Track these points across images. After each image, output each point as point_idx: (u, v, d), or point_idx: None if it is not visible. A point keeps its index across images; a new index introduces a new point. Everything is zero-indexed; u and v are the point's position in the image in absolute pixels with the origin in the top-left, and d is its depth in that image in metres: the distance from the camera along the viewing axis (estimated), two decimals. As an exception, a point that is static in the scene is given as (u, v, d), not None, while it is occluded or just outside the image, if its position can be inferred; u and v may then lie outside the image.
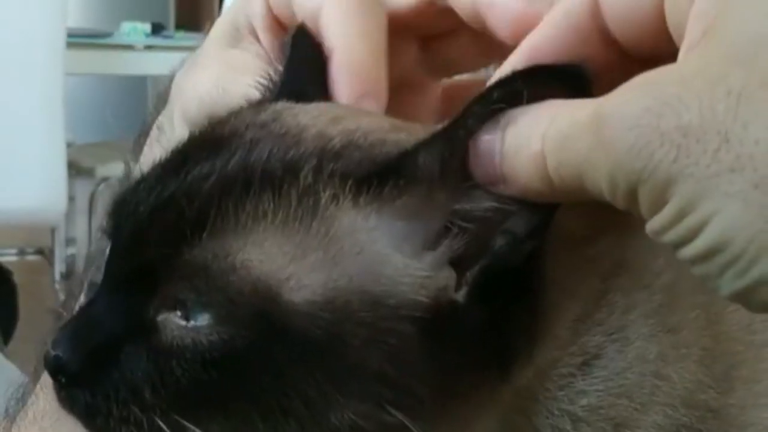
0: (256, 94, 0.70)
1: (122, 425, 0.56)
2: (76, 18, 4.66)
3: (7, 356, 1.77)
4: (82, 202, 4.22)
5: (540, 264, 0.57)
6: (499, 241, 0.55)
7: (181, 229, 0.55)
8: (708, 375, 0.60)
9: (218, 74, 0.77)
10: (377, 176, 0.55)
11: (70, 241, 4.18)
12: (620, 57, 0.56)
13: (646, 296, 0.60)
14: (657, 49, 0.53)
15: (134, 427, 0.56)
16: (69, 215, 3.80)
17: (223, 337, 0.54)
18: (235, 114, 0.64)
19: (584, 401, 0.59)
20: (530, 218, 0.54)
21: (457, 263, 0.55)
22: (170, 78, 0.86)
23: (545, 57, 0.56)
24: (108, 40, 4.46)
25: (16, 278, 3.30)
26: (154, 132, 0.86)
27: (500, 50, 0.64)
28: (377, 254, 0.55)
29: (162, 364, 0.55)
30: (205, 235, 0.55)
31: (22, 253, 4.47)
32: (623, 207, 0.48)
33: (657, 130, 0.45)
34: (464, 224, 0.55)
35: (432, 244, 0.55)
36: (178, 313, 0.55)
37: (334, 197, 0.55)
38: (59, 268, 4.13)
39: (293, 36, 0.69)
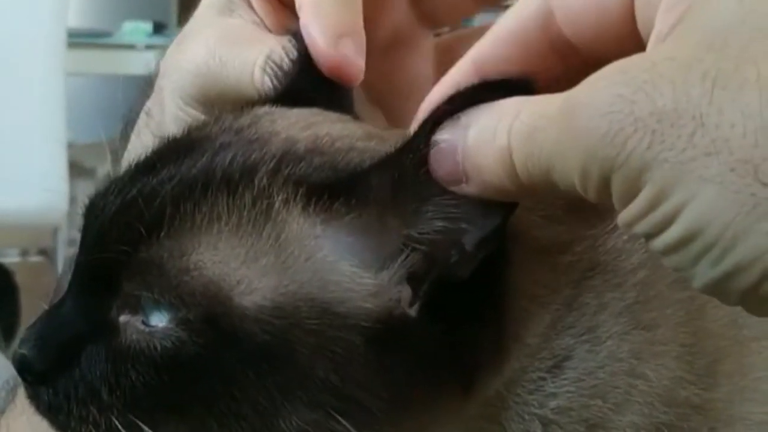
0: (266, 83, 0.68)
1: (81, 424, 0.57)
2: (77, 18, 4.65)
3: (9, 357, 1.76)
4: (83, 204, 4.21)
5: (502, 278, 0.56)
6: (452, 255, 0.54)
7: (139, 228, 0.55)
8: (689, 371, 0.58)
9: (214, 44, 0.74)
10: (329, 189, 0.55)
11: (72, 242, 4.17)
12: (575, 66, 0.55)
13: (619, 294, 0.59)
14: (622, 52, 0.51)
15: (93, 426, 0.56)
16: (71, 216, 3.79)
17: (175, 343, 0.54)
18: (216, 118, 0.64)
19: (554, 403, 0.58)
20: (481, 228, 0.53)
21: (413, 278, 0.55)
22: (158, 63, 0.84)
23: (490, 69, 0.56)
24: (109, 40, 4.46)
25: (18, 279, 3.30)
26: (142, 118, 0.84)
27: None
28: (324, 262, 0.54)
29: (119, 366, 0.56)
30: (162, 234, 0.55)
31: (24, 254, 4.47)
32: (595, 199, 0.47)
33: (630, 115, 0.43)
34: (417, 246, 0.54)
35: (386, 263, 0.55)
36: (140, 317, 0.56)
37: (286, 202, 0.55)
38: (61, 268, 4.12)
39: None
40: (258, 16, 0.76)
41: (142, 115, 0.84)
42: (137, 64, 4.34)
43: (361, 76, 0.66)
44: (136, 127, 0.84)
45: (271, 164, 0.56)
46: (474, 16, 0.74)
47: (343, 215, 0.54)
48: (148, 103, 0.83)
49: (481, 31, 0.69)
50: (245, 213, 0.55)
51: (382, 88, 0.67)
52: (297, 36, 0.67)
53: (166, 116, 0.78)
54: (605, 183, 0.45)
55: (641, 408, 0.58)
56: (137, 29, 4.52)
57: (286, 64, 0.68)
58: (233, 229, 0.55)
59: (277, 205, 0.55)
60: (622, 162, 0.44)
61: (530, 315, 0.58)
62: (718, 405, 0.59)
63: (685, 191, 0.43)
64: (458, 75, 0.58)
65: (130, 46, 4.32)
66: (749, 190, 0.41)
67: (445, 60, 0.74)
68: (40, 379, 0.58)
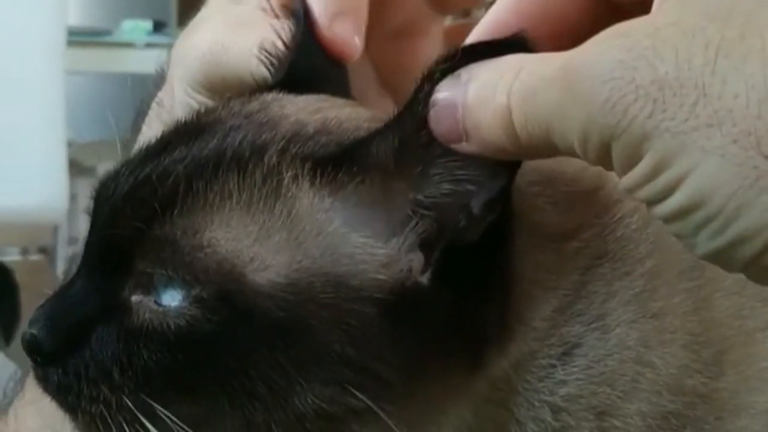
0: (261, 69, 0.69)
1: (92, 404, 0.57)
2: (77, 16, 4.64)
3: (9, 356, 1.76)
4: (83, 201, 4.20)
5: (509, 257, 0.57)
6: (460, 219, 0.54)
7: (152, 206, 0.56)
8: (696, 360, 0.58)
9: (219, 30, 0.75)
10: (332, 161, 0.55)
11: (72, 240, 4.17)
12: (607, 11, 0.55)
13: (627, 283, 0.59)
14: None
15: (103, 405, 0.56)
16: (71, 214, 3.79)
17: (189, 321, 0.54)
18: (224, 103, 0.65)
19: (564, 391, 0.58)
20: (487, 189, 0.53)
21: (426, 245, 0.55)
22: (168, 52, 0.84)
23: (512, 27, 0.54)
24: (109, 38, 4.44)
25: (18, 277, 3.29)
26: (153, 109, 0.85)
27: None
28: (336, 235, 0.55)
29: (131, 346, 0.56)
30: (175, 212, 0.56)
31: (24, 252, 4.46)
32: (594, 162, 0.47)
33: (632, 83, 0.43)
34: (426, 212, 0.54)
35: (397, 231, 0.55)
36: (152, 297, 0.56)
37: (295, 178, 0.56)
38: (61, 267, 4.13)
39: (297, 28, 0.68)
40: (267, 2, 0.76)
41: (153, 106, 0.84)
42: (137, 62, 4.32)
43: (357, 55, 0.67)
44: (147, 118, 0.85)
45: (281, 144, 0.57)
46: (485, 3, 0.74)
47: (348, 183, 0.55)
48: (160, 94, 0.84)
49: None
50: (256, 191, 0.56)
51: (392, 73, 0.67)
52: (298, 15, 0.67)
53: (176, 103, 0.78)
54: (606, 148, 0.45)
55: (649, 396, 0.58)
56: (137, 27, 4.51)
57: (280, 48, 0.68)
58: (245, 207, 0.55)
59: (286, 181, 0.55)
60: (622, 130, 0.44)
61: (534, 298, 0.58)
62: (724, 394, 0.59)
63: (687, 161, 0.43)
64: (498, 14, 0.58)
65: (130, 45, 4.30)
66: (752, 162, 0.41)
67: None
68: (49, 359, 0.58)
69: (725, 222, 0.42)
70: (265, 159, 0.56)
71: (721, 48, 0.42)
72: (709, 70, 0.42)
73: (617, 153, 0.45)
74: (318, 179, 0.55)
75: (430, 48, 0.77)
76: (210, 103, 0.75)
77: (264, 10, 0.76)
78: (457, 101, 0.50)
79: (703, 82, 0.42)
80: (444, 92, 0.51)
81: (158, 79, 0.86)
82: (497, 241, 0.55)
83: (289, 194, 0.55)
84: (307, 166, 0.56)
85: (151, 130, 0.82)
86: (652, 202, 0.45)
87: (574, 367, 0.58)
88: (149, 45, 4.35)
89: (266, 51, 0.68)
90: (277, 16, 0.75)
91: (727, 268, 0.45)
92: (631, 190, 0.46)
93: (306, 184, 0.55)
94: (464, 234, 0.54)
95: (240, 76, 0.70)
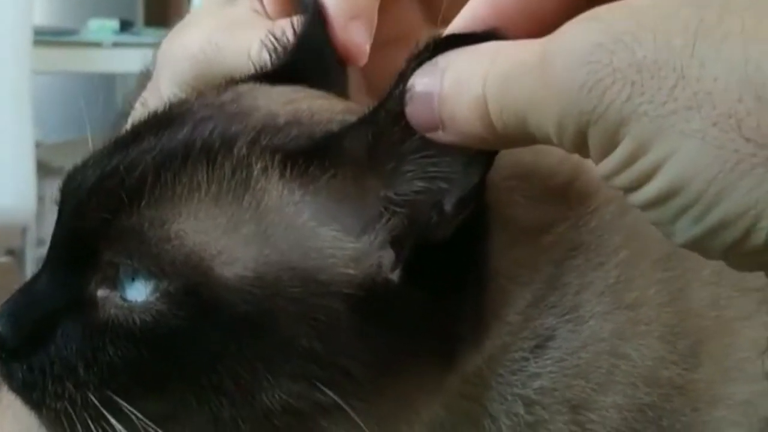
0: (263, 53, 0.68)
1: (57, 400, 0.56)
2: (43, 15, 4.61)
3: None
4: (52, 202, 4.18)
5: (484, 253, 0.56)
6: (432, 216, 0.53)
7: (119, 197, 0.55)
8: (672, 351, 0.58)
9: (211, 30, 0.74)
10: (303, 154, 0.54)
11: (41, 242, 4.13)
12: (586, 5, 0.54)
13: (601, 274, 0.58)
14: None
15: (68, 402, 0.55)
16: (39, 215, 3.75)
17: (155, 317, 0.53)
18: (198, 94, 0.64)
19: (537, 384, 0.57)
20: (460, 186, 0.52)
21: (396, 242, 0.54)
22: (154, 52, 0.84)
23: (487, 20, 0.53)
24: (75, 38, 4.41)
25: (-14, 280, 3.26)
26: (137, 110, 0.84)
27: None
28: (305, 228, 0.54)
29: (96, 341, 0.55)
30: (143, 203, 0.55)
31: (-7, 255, 4.43)
32: (571, 150, 0.46)
33: (609, 66, 0.42)
34: (397, 209, 0.54)
35: (367, 227, 0.54)
36: (118, 292, 0.55)
37: (264, 170, 0.55)
38: (30, 268, 4.10)
39: (308, 22, 0.67)
40: (261, 6, 0.76)
41: (137, 106, 0.83)
42: (104, 61, 4.31)
43: (365, 60, 0.67)
44: (131, 118, 0.83)
45: (251, 135, 0.56)
46: None
47: (319, 177, 0.54)
48: (144, 94, 0.83)
49: None
50: (225, 183, 0.55)
51: (381, 80, 0.66)
52: (306, 10, 0.67)
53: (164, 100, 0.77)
54: (582, 135, 0.44)
55: (624, 388, 0.57)
56: (103, 27, 4.48)
57: (284, 43, 0.68)
58: (213, 199, 0.54)
59: (255, 173, 0.55)
60: (599, 115, 0.43)
61: (509, 293, 0.57)
62: (701, 385, 0.58)
63: (666, 146, 0.42)
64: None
65: (97, 44, 4.27)
66: (732, 145, 0.40)
67: None
68: (13, 355, 0.57)
69: (705, 208, 0.42)
70: (235, 150, 0.55)
71: (700, 30, 0.42)
72: (688, 53, 0.41)
73: (594, 139, 0.44)
74: (288, 172, 0.54)
75: None
76: None
77: (257, 11, 0.75)
78: (434, 90, 0.49)
79: (681, 65, 0.41)
80: (420, 81, 0.50)
81: (143, 79, 0.85)
82: (471, 238, 0.54)
83: (258, 186, 0.54)
84: (277, 157, 0.55)
85: None
86: (629, 189, 0.44)
87: (548, 359, 0.57)
88: (116, 44, 4.32)
89: (270, 45, 0.68)
90: (270, 19, 0.75)
91: (706, 255, 0.45)
92: (607, 178, 0.45)
93: (275, 176, 0.54)
94: (435, 231, 0.53)
95: (238, 75, 0.69)
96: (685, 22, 0.42)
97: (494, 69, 0.47)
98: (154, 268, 0.53)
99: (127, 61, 4.36)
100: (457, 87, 0.48)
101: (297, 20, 0.68)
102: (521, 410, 0.57)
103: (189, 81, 0.75)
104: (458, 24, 0.56)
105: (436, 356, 0.56)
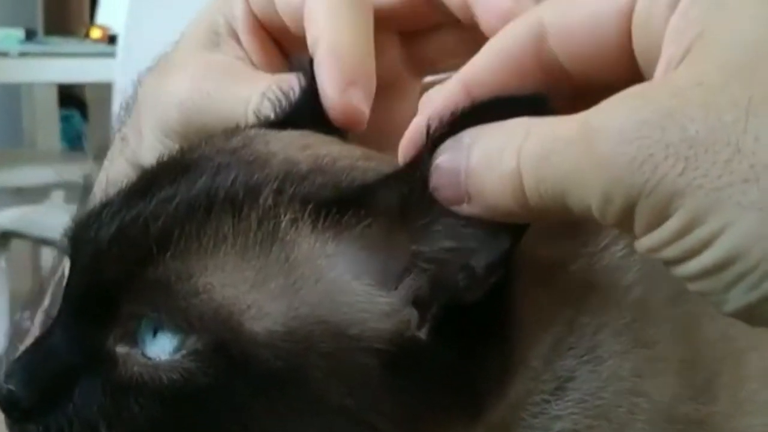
0: (266, 105, 0.68)
1: None
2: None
3: None
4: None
5: (508, 301, 0.55)
6: (460, 278, 0.53)
7: (143, 248, 0.54)
8: (688, 386, 0.58)
9: (200, 79, 0.73)
10: (337, 203, 0.53)
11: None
12: (568, 91, 0.54)
13: (616, 313, 0.58)
14: (617, 79, 0.51)
15: None
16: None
17: (183, 375, 0.52)
18: (206, 140, 0.62)
19: (559, 426, 0.57)
20: (490, 250, 0.52)
21: (420, 301, 0.54)
22: (135, 85, 0.83)
23: (481, 93, 0.54)
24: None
25: None
26: (116, 144, 0.83)
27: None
28: (337, 282, 0.53)
29: (119, 400, 0.53)
30: (168, 255, 0.53)
31: None
32: (612, 223, 0.46)
33: (660, 141, 0.43)
34: (425, 265, 0.53)
35: (393, 283, 0.54)
36: (139, 349, 0.53)
37: (294, 221, 0.54)
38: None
39: (307, 70, 0.66)
40: (243, 52, 0.75)
41: (117, 142, 0.82)
42: (11, 71, 4.20)
43: (364, 126, 0.66)
44: (110, 153, 0.83)
45: (275, 184, 0.55)
46: (465, 62, 0.74)
47: (353, 227, 0.53)
48: (125, 129, 0.82)
49: None
50: (251, 234, 0.53)
51: (367, 131, 0.66)
52: (302, 68, 0.66)
53: (144, 147, 0.77)
54: (630, 209, 0.44)
55: (644, 426, 0.57)
56: (9, 36, 4.36)
57: (290, 99, 0.67)
58: (240, 251, 0.53)
59: (284, 225, 0.53)
60: (651, 188, 0.43)
61: (534, 337, 0.56)
62: (718, 419, 0.58)
63: (723, 217, 0.42)
64: (447, 95, 0.56)
65: (4, 54, 4.16)
66: None
67: None
68: (28, 416, 0.55)
69: (762, 277, 0.42)
70: (261, 201, 0.54)
71: (751, 106, 0.42)
72: (741, 128, 0.42)
73: (643, 212, 0.44)
74: (321, 222, 0.53)
75: (407, 107, 0.75)
76: None
77: (241, 59, 0.74)
78: (460, 165, 0.49)
79: (736, 139, 0.42)
80: (445, 156, 0.50)
81: (123, 113, 0.84)
82: (497, 297, 0.54)
83: (287, 238, 0.53)
84: (309, 208, 0.54)
85: (113, 166, 0.81)
86: (678, 261, 0.45)
87: (568, 401, 0.57)
88: (22, 54, 4.21)
89: (274, 99, 0.67)
90: (255, 68, 0.74)
91: (752, 323, 0.45)
92: (653, 250, 0.45)
93: (306, 228, 0.53)
94: (465, 294, 0.53)
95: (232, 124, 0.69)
96: (734, 99, 0.43)
97: (530, 143, 0.47)
98: (183, 322, 0.52)
99: (34, 70, 4.27)
100: (487, 160, 0.48)
101: (300, 77, 0.67)
102: None
103: (176, 128, 0.74)
104: (451, 89, 0.56)
105: (464, 409, 0.55)
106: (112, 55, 3.44)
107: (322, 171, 0.56)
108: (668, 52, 0.48)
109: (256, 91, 0.68)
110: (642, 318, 0.58)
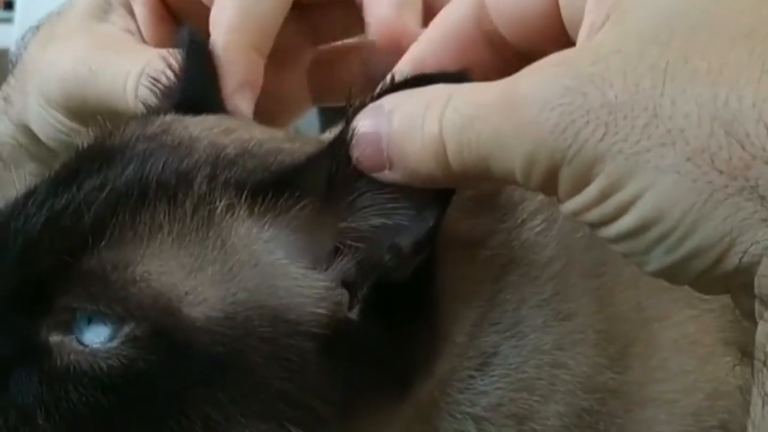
0: (147, 93, 0.66)
1: None
2: None
3: None
4: None
5: (433, 277, 0.56)
6: (387, 258, 0.53)
7: (77, 238, 0.53)
8: (604, 356, 0.60)
9: (82, 51, 0.72)
10: (273, 186, 0.53)
11: None
12: (510, 59, 0.55)
13: (536, 288, 0.59)
14: (549, 44, 0.52)
15: None
16: None
17: (123, 361, 0.51)
18: (123, 126, 0.61)
19: (485, 401, 0.58)
20: (417, 227, 0.53)
21: (350, 282, 0.54)
22: (19, 46, 0.81)
23: (430, 66, 0.55)
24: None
25: None
26: (0, 104, 0.81)
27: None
28: (274, 266, 0.53)
29: (56, 389, 0.52)
30: (102, 245, 0.52)
31: None
32: (535, 188, 0.47)
33: (581, 108, 0.44)
34: (353, 243, 0.53)
35: (324, 264, 0.54)
36: (73, 336, 0.52)
37: (230, 207, 0.53)
38: None
39: (188, 46, 0.65)
40: (135, 24, 0.74)
41: (0, 101, 0.81)
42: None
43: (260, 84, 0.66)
44: None
45: (207, 170, 0.54)
46: (359, 33, 0.74)
47: (289, 209, 0.53)
48: (7, 89, 0.80)
49: (360, 46, 0.69)
50: (187, 221, 0.53)
51: (261, 98, 0.66)
52: (184, 44, 0.65)
53: (30, 113, 0.76)
54: (553, 174, 0.45)
55: (564, 397, 0.59)
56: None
57: (167, 77, 0.65)
58: (176, 239, 0.53)
59: (219, 210, 0.53)
60: (573, 154, 0.44)
61: (458, 313, 0.57)
62: (632, 387, 0.60)
63: (641, 181, 0.43)
64: (400, 69, 0.56)
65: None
66: (706, 178, 0.42)
67: (321, 73, 0.75)
68: None
69: (681, 237, 0.43)
70: (195, 187, 0.53)
71: (668, 71, 0.43)
72: (658, 93, 0.43)
73: (566, 177, 0.45)
74: (257, 206, 0.53)
75: (299, 77, 0.75)
76: (65, 119, 0.74)
77: (130, 32, 0.73)
78: (381, 130, 0.49)
79: (653, 104, 0.43)
80: (366, 122, 0.50)
81: (11, 69, 0.82)
82: (423, 274, 0.54)
83: (223, 224, 0.53)
84: (245, 193, 0.53)
85: None
86: (600, 224, 0.46)
87: (493, 376, 0.58)
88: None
89: (149, 83, 0.66)
90: (144, 42, 0.73)
91: (675, 281, 0.46)
92: (577, 213, 0.46)
93: (243, 213, 0.53)
94: (393, 273, 0.53)
95: (110, 100, 0.68)
96: (651, 64, 0.44)
97: (451, 109, 0.47)
98: (122, 312, 0.51)
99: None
100: (408, 126, 0.49)
101: (175, 58, 0.66)
102: (471, 428, 0.58)
103: (56, 99, 0.73)
104: (402, 68, 0.56)
105: (394, 387, 0.56)
106: (9, 21, 3.33)
107: (251, 154, 0.56)
108: (590, 18, 0.49)
109: (136, 66, 0.67)
110: (561, 292, 0.59)
